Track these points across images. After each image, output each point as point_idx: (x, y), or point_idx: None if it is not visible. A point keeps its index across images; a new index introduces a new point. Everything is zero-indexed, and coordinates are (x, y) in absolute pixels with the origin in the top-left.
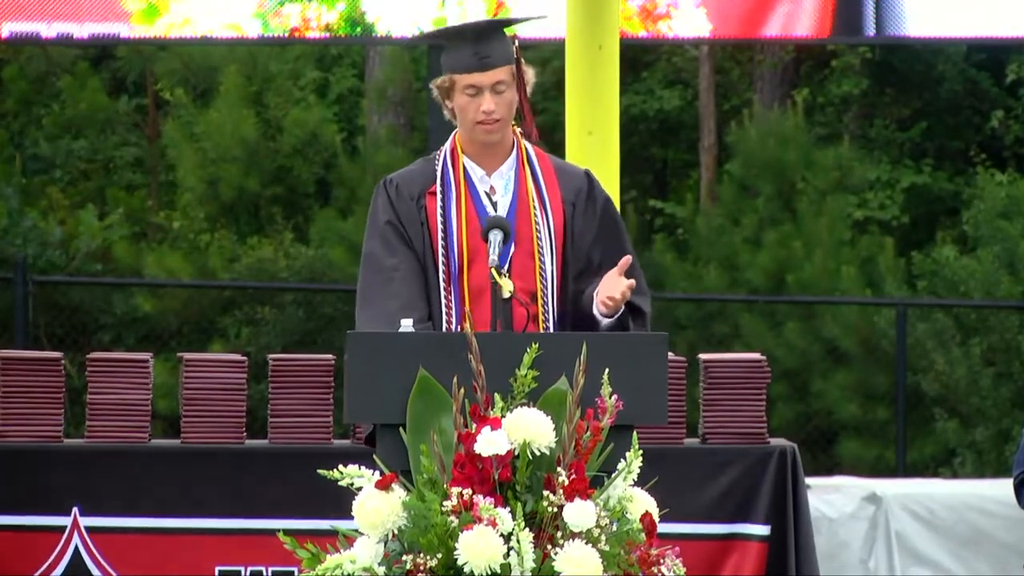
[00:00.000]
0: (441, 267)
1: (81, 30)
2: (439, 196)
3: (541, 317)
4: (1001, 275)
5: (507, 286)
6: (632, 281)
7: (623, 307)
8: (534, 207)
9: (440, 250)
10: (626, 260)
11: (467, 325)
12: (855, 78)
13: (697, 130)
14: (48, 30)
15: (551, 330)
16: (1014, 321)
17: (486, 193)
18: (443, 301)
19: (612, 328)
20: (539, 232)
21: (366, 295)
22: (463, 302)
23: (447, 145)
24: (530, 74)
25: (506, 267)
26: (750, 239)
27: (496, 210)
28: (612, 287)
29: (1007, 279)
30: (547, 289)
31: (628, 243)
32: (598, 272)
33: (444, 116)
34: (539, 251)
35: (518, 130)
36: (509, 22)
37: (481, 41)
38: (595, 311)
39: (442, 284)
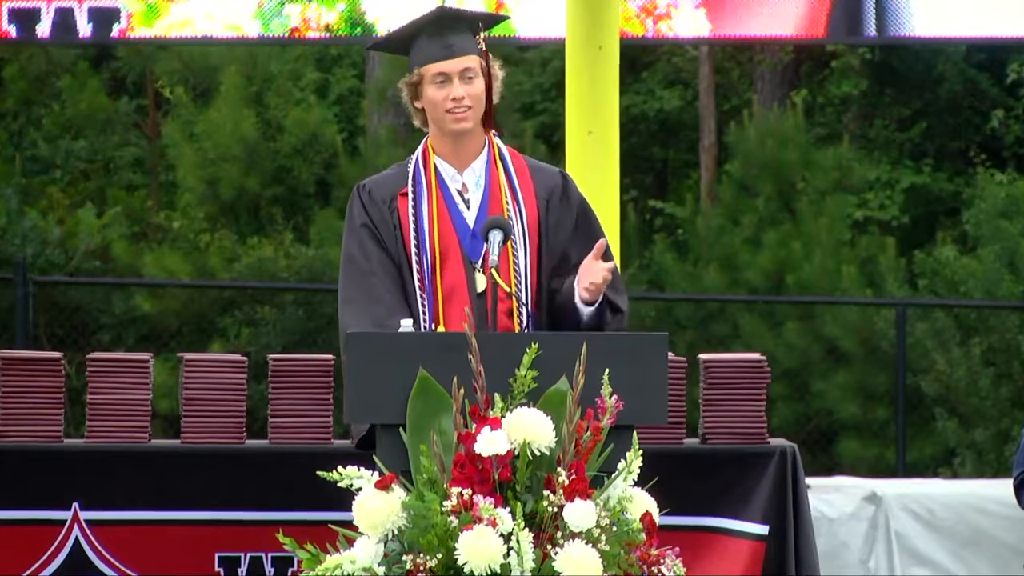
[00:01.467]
0: (415, 268)
1: (80, 10)
2: (411, 197)
3: (515, 313)
4: (1001, 275)
5: (480, 283)
6: (612, 264)
7: (602, 297)
8: (507, 203)
9: (413, 251)
10: (601, 244)
11: (465, 325)
12: (855, 78)
13: (697, 130)
14: (48, 10)
15: (525, 326)
16: (1014, 321)
17: (458, 192)
18: (418, 302)
19: (591, 321)
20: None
21: (348, 297)
22: (436, 302)
23: (419, 148)
24: (497, 69)
25: (479, 262)
26: (750, 239)
27: (468, 208)
28: (592, 272)
29: (1007, 279)
30: (521, 285)
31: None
32: (574, 270)
33: (414, 124)
34: (512, 247)
35: (491, 131)
36: (471, 14)
37: (445, 32)
38: (577, 300)
39: (416, 285)
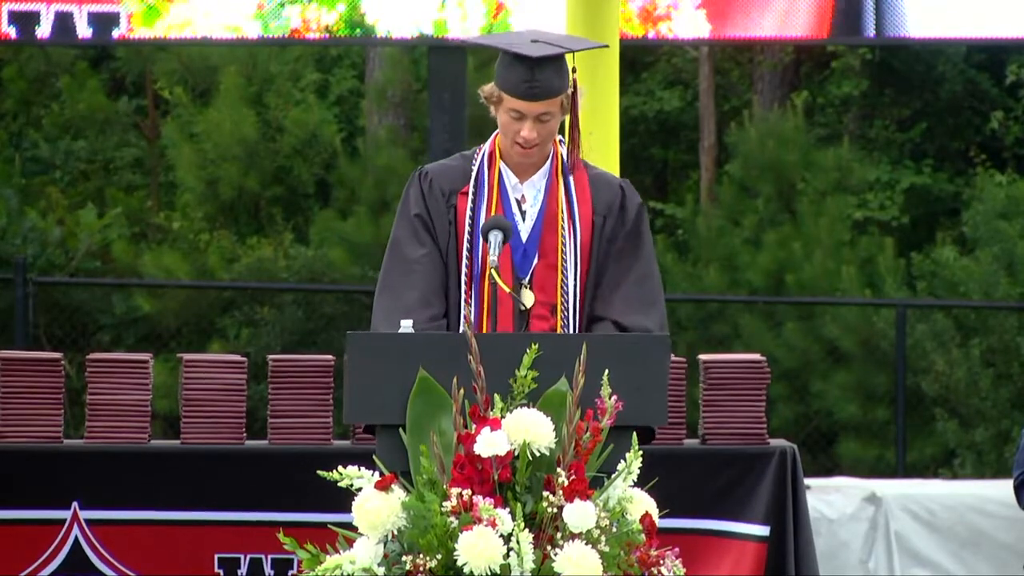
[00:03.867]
0: (464, 271)
1: (80, 13)
2: (470, 198)
3: (560, 331)
4: (1000, 276)
5: (528, 299)
6: None
7: None
8: (562, 220)
9: (464, 254)
10: None
11: (466, 325)
12: (855, 79)
13: (697, 131)
14: (47, 12)
15: None
16: (1013, 322)
17: (517, 201)
18: (461, 304)
19: None
20: (564, 246)
21: (387, 283)
22: (481, 310)
23: (486, 146)
24: (582, 97)
25: (528, 279)
26: (750, 240)
27: (524, 220)
28: None
29: (1006, 280)
30: (568, 303)
31: (647, 254)
32: (606, 286)
33: (489, 113)
34: (563, 265)
35: (559, 138)
36: (569, 50)
37: (536, 69)
38: None
39: (463, 289)
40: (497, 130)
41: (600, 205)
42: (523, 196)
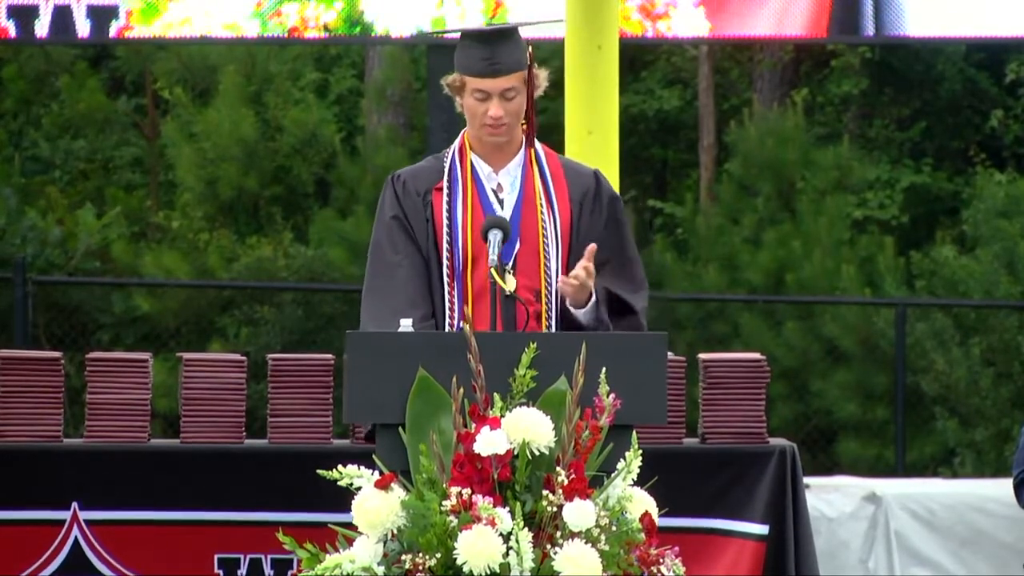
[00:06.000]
0: (445, 264)
1: (79, 7)
2: (445, 192)
3: (544, 315)
4: (1000, 275)
5: (510, 284)
6: (589, 265)
7: (594, 299)
8: (541, 205)
9: (444, 247)
10: (591, 248)
11: (467, 324)
12: (854, 78)
13: (696, 130)
14: (46, 6)
15: (553, 329)
16: (1013, 321)
17: (493, 191)
18: (446, 299)
19: (588, 323)
20: (545, 230)
21: (371, 288)
22: (465, 300)
23: (456, 143)
24: (542, 77)
25: (510, 264)
26: (749, 239)
27: (503, 208)
28: (571, 274)
29: (1006, 279)
30: (551, 287)
31: (629, 242)
32: (598, 273)
33: (456, 110)
34: (544, 249)
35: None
36: (523, 25)
37: (494, 46)
38: (567, 303)
39: (446, 281)
40: (464, 128)
41: (576, 191)
42: (499, 185)
